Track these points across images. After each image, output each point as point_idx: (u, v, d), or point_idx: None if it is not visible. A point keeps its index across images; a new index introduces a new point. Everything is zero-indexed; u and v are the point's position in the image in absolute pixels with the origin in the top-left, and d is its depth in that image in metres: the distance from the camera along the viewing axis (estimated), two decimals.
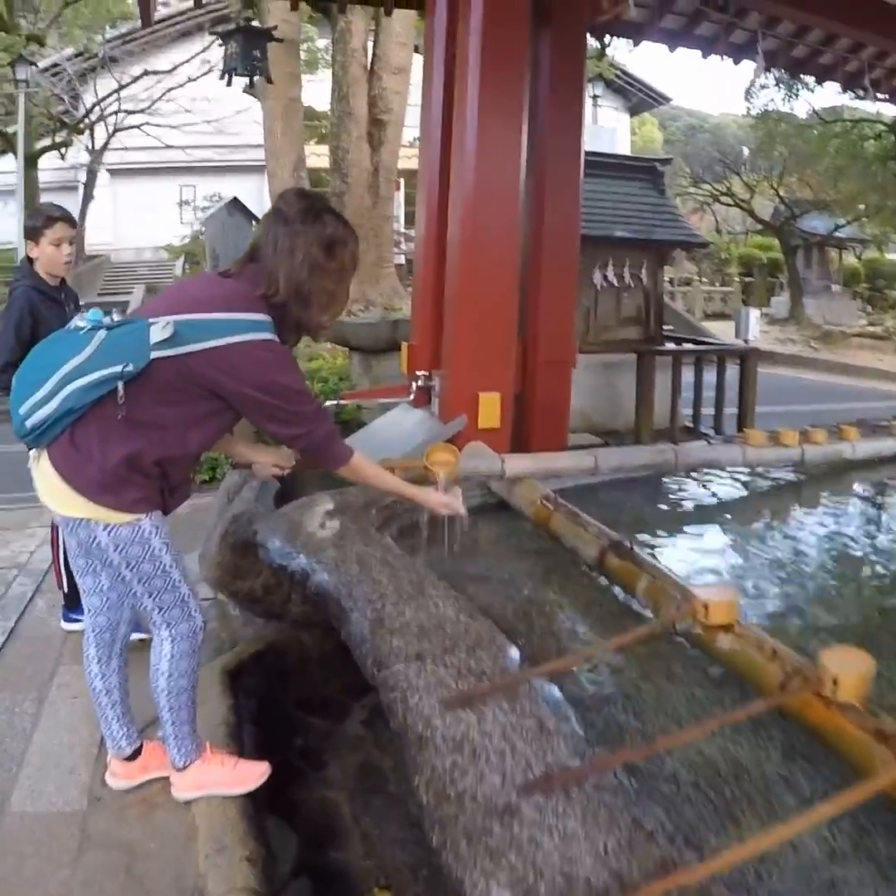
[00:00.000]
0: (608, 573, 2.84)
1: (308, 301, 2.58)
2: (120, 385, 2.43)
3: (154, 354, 2.42)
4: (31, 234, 3.95)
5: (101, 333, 2.51)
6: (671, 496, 4.22)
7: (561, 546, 3.13)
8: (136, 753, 3.09)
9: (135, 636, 3.44)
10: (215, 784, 2.84)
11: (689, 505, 4.11)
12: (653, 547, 3.46)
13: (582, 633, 2.68)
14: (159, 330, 2.44)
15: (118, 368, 2.42)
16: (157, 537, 2.60)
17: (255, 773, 2.83)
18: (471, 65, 4.33)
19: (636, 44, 6.50)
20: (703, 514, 4.00)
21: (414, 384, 4.93)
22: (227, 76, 8.26)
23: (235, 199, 11.93)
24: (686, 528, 3.74)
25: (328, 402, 6.09)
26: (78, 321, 2.57)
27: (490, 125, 4.32)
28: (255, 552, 3.28)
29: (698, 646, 2.42)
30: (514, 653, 2.29)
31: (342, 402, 6.23)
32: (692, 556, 3.44)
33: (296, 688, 3.53)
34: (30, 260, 4.02)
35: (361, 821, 2.87)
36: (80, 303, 4.12)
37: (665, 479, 4.32)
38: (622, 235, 7.56)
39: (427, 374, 4.87)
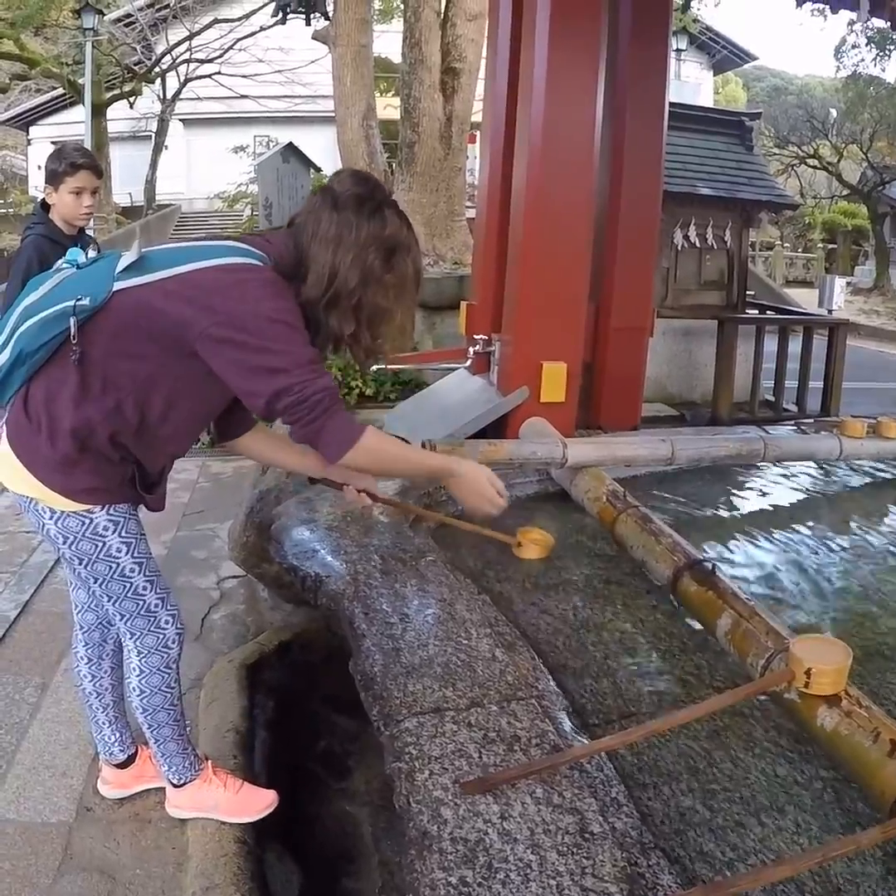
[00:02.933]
0: (682, 599, 2.36)
1: (351, 312, 2.10)
2: (72, 322, 2.01)
3: (116, 285, 2.01)
4: (51, 178, 3.66)
5: (70, 271, 2.14)
6: (755, 489, 3.74)
7: (628, 554, 2.66)
8: (129, 760, 2.87)
9: None
10: (212, 808, 2.59)
11: (776, 501, 3.62)
12: (733, 559, 2.97)
13: (647, 675, 2.20)
14: (127, 257, 2.05)
15: (71, 302, 2.02)
16: (115, 534, 2.24)
17: (258, 804, 2.57)
18: (540, 2, 3.86)
19: None
20: (793, 515, 3.48)
21: (471, 349, 4.53)
22: (280, 13, 7.81)
23: (291, 144, 11.38)
24: (772, 533, 3.21)
25: (376, 367, 5.72)
26: (60, 263, 2.19)
27: (561, 68, 3.85)
28: None
29: (791, 714, 1.90)
30: (559, 708, 1.83)
31: (392, 367, 5.83)
32: (780, 574, 2.90)
33: (323, 683, 3.19)
34: (45, 206, 3.71)
35: (382, 845, 2.51)
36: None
37: (750, 468, 3.85)
38: (706, 193, 7.10)
39: (486, 338, 4.45)
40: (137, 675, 2.51)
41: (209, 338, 1.98)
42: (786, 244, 29.67)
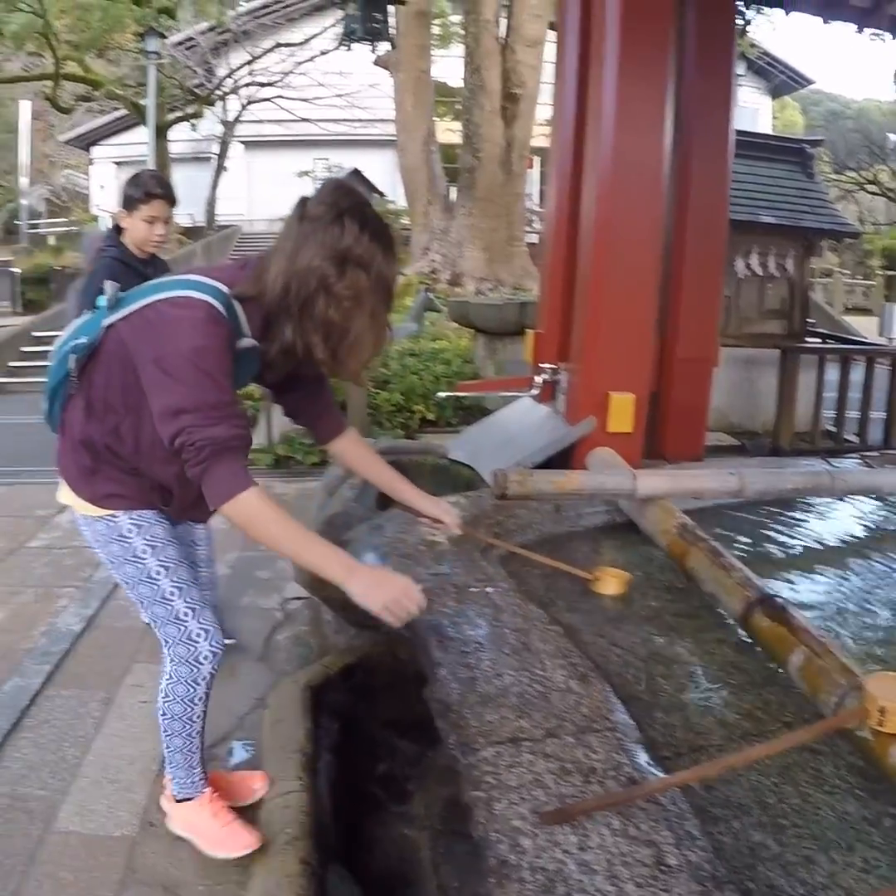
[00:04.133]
0: (754, 634, 2.35)
1: (302, 323, 2.08)
2: (72, 359, 2.21)
3: (105, 321, 2.19)
4: (127, 203, 3.70)
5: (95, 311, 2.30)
6: (823, 523, 3.69)
7: (697, 587, 2.65)
8: None
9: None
10: (199, 834, 2.65)
11: (840, 535, 3.57)
12: (799, 593, 2.93)
13: (716, 709, 2.20)
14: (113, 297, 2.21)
15: (72, 342, 2.23)
16: (138, 537, 2.35)
17: (239, 843, 2.58)
18: (609, 31, 3.89)
19: (788, 12, 5.91)
20: (859, 549, 3.43)
21: (538, 378, 4.52)
22: (346, 40, 7.87)
23: (356, 171, 11.49)
24: (839, 567, 3.18)
25: (441, 393, 5.76)
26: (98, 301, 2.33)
27: (631, 96, 3.87)
28: None
29: (862, 751, 1.90)
30: (634, 740, 1.84)
31: (458, 393, 5.85)
32: (849, 610, 2.86)
33: (385, 707, 3.20)
34: (118, 229, 3.75)
35: (441, 870, 2.48)
36: None
37: (815, 501, 3.80)
38: (768, 221, 7.07)
39: (553, 367, 4.44)
40: (165, 680, 2.55)
41: (144, 370, 2.09)
42: (845, 271, 29.30)
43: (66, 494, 2.40)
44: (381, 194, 24.95)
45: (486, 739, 1.78)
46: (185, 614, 2.45)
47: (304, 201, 2.10)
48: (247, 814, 2.85)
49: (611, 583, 2.77)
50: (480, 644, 2.15)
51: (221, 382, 2.03)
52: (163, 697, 2.57)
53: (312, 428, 2.71)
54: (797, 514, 3.70)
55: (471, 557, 2.73)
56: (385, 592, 2.03)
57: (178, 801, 2.70)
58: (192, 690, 2.54)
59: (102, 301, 2.28)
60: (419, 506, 2.64)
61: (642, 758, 1.78)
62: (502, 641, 2.17)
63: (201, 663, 2.50)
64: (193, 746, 2.63)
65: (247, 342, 2.18)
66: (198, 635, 2.47)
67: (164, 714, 2.59)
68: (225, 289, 2.11)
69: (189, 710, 2.56)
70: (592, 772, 1.68)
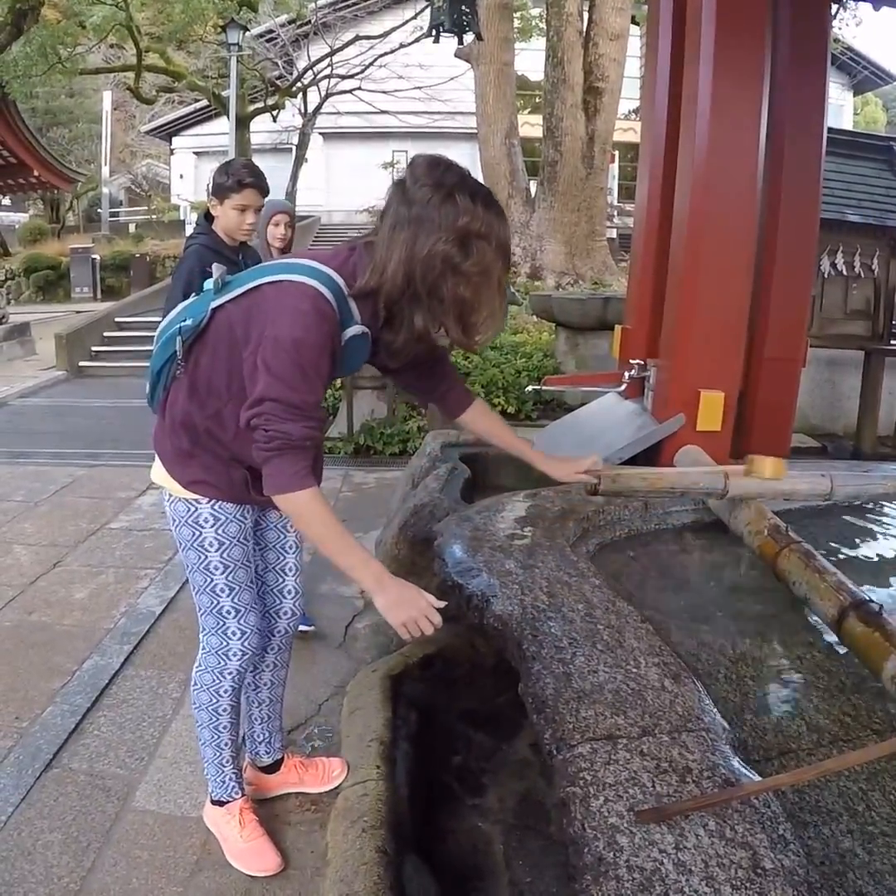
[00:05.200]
0: (847, 639, 2.32)
1: (435, 307, 2.07)
2: (178, 340, 2.25)
3: (213, 303, 2.21)
4: (217, 191, 3.73)
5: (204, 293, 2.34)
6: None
7: (788, 589, 2.62)
8: (275, 766, 2.97)
9: (301, 627, 3.31)
10: (223, 841, 2.70)
11: None
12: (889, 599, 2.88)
13: (805, 713, 2.16)
14: (220, 279, 2.25)
15: (179, 324, 2.26)
16: (212, 528, 2.40)
17: (261, 863, 2.65)
18: (704, 27, 3.81)
19: (877, 7, 5.78)
20: None
21: (626, 374, 4.49)
22: (434, 32, 7.82)
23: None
24: None
25: (530, 387, 5.74)
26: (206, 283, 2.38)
27: (726, 93, 3.79)
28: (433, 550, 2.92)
29: None
30: (727, 741, 1.82)
31: (547, 388, 5.82)
32: None
33: (463, 698, 3.21)
34: (209, 216, 3.79)
35: (513, 864, 2.49)
36: None
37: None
38: (854, 219, 6.96)
39: (642, 363, 4.42)
40: (195, 667, 2.65)
41: (245, 352, 2.14)
42: None
43: (158, 473, 2.46)
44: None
45: (582, 736, 1.77)
46: (228, 612, 2.53)
47: (402, 184, 2.07)
48: (325, 799, 2.88)
49: (767, 465, 2.80)
50: (574, 639, 2.13)
51: (312, 379, 2.07)
52: (192, 686, 2.66)
53: (441, 404, 2.70)
54: (884, 519, 3.65)
55: (561, 551, 2.72)
56: (406, 611, 2.09)
57: (213, 802, 2.76)
58: (218, 681, 2.61)
59: (209, 284, 2.32)
60: (554, 473, 2.71)
61: (735, 759, 1.76)
62: (596, 637, 2.15)
63: (230, 658, 2.58)
64: (222, 742, 2.68)
65: (356, 329, 2.18)
66: (234, 633, 2.55)
67: (193, 703, 2.67)
68: (335, 275, 2.11)
69: (215, 700, 2.62)
70: (688, 771, 1.67)
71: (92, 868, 2.64)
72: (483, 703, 3.19)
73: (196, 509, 2.41)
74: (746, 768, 1.75)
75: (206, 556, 2.45)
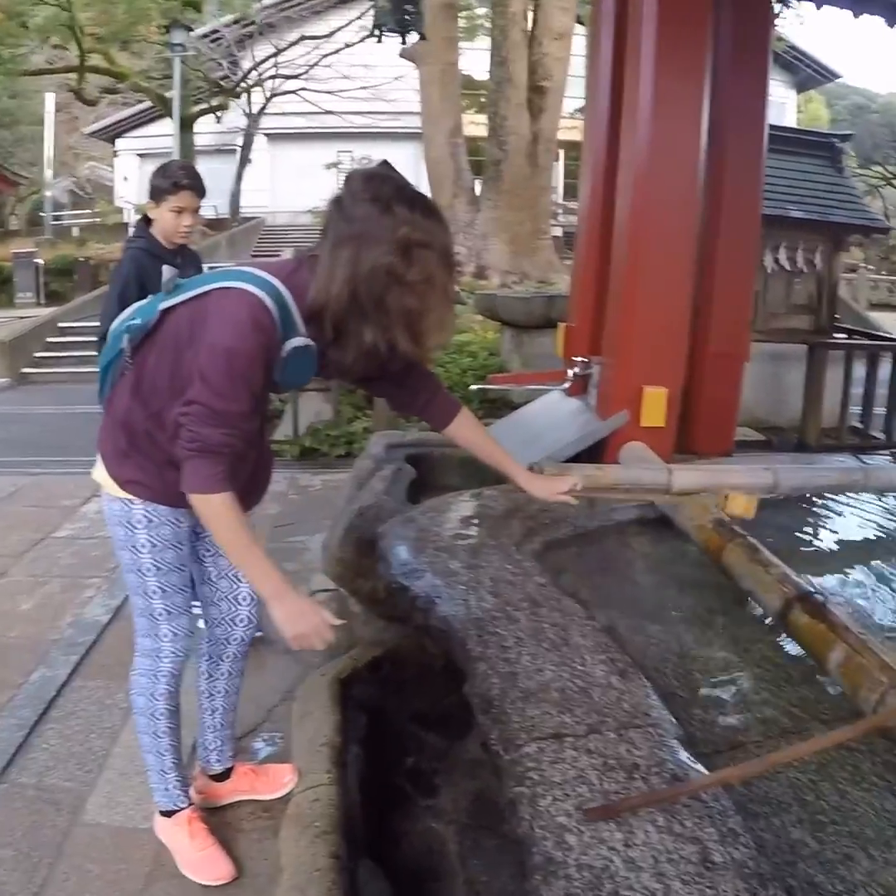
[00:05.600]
0: (792, 631, 2.33)
1: (381, 320, 2.05)
2: (125, 338, 2.27)
3: (162, 305, 2.22)
4: (155, 193, 3.70)
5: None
6: (855, 520, 3.61)
7: (733, 583, 2.64)
8: (225, 774, 2.93)
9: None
10: (175, 853, 2.67)
11: (878, 535, 3.48)
12: (833, 591, 2.88)
13: (754, 706, 2.17)
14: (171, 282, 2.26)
15: (129, 323, 2.29)
16: (144, 530, 2.39)
17: (214, 872, 2.62)
18: (646, 24, 3.84)
19: (819, 6, 5.81)
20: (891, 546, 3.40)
21: (570, 372, 4.48)
22: (377, 32, 7.84)
23: (385, 162, 11.44)
24: (877, 568, 3.13)
25: (475, 386, 5.75)
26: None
27: (667, 90, 3.83)
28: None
29: None
30: (674, 736, 1.82)
31: (491, 386, 5.83)
32: (884, 608, 2.84)
33: (413, 700, 3.20)
34: (147, 220, 3.75)
35: (468, 864, 2.48)
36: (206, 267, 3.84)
37: (842, 498, 3.73)
38: (797, 215, 7.02)
39: (585, 360, 4.41)
40: (131, 670, 2.64)
41: (192, 354, 2.14)
42: (870, 267, 29.12)
43: (98, 471, 2.45)
44: (410, 184, 24.91)
45: (529, 735, 1.77)
46: (160, 614, 2.53)
47: (340, 201, 2.06)
48: (277, 806, 2.86)
49: (739, 503, 2.77)
50: (520, 639, 2.13)
51: (240, 389, 2.08)
52: (130, 690, 2.66)
53: (425, 416, 2.69)
54: (828, 511, 3.68)
55: (507, 552, 2.72)
56: (300, 625, 2.15)
57: (161, 813, 2.73)
58: (152, 684, 2.60)
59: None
60: (534, 491, 2.68)
61: (683, 755, 1.77)
62: (541, 636, 2.15)
63: (162, 660, 2.58)
64: (162, 748, 2.66)
65: (299, 341, 2.17)
66: (165, 635, 2.56)
67: (133, 708, 2.68)
68: (280, 286, 2.11)
69: (151, 704, 2.61)
70: (636, 768, 1.67)
71: (44, 884, 2.59)
72: (434, 703, 3.18)
73: (130, 510, 2.40)
74: (695, 763, 1.75)
75: (139, 558, 2.44)
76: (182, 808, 2.70)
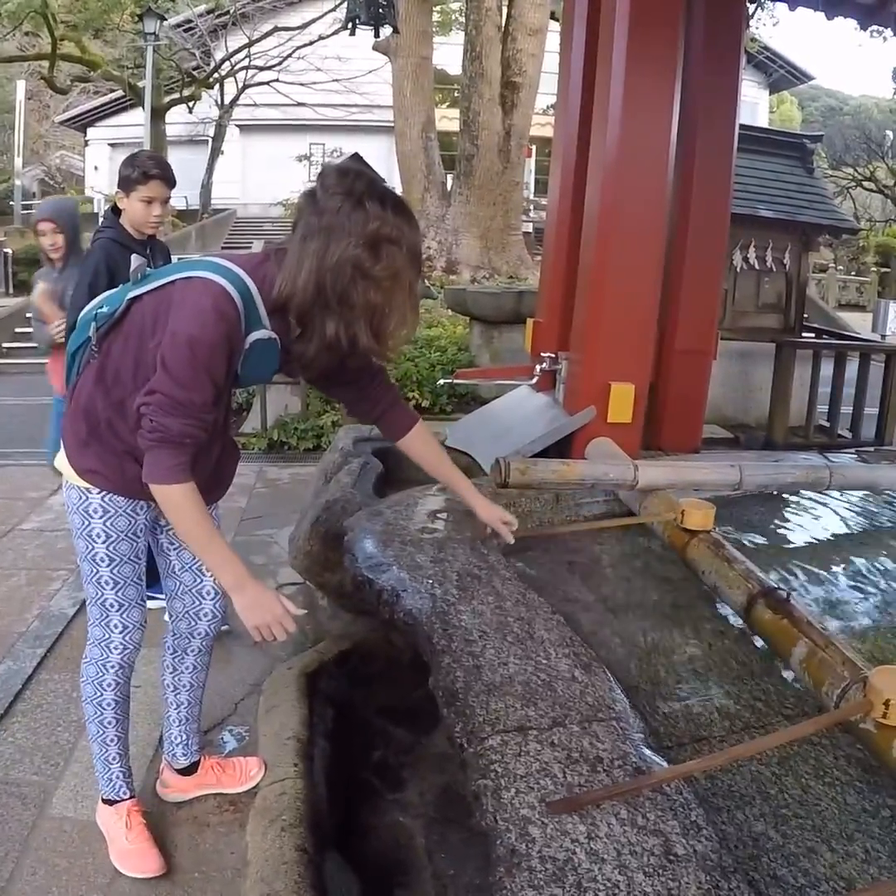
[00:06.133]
0: (756, 626, 2.35)
1: (345, 314, 2.06)
2: (92, 327, 2.26)
3: (130, 293, 2.21)
4: (123, 183, 3.69)
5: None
6: (819, 518, 3.66)
7: (698, 579, 2.65)
8: (192, 768, 2.92)
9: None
10: (110, 841, 2.66)
11: (841, 532, 3.54)
12: (798, 587, 2.90)
13: (717, 700, 2.19)
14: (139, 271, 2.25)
15: (96, 311, 2.27)
16: (100, 520, 2.39)
17: (143, 866, 2.61)
18: (618, 22, 3.84)
19: (792, 8, 5.85)
20: (857, 544, 3.40)
21: (538, 367, 4.50)
22: (350, 25, 7.80)
23: (357, 155, 11.44)
24: (836, 562, 3.16)
25: (442, 380, 5.76)
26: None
27: (638, 87, 3.83)
28: None
29: (865, 743, 1.90)
30: (638, 730, 1.84)
31: (458, 380, 5.83)
32: (848, 604, 2.85)
33: (380, 693, 3.21)
34: (116, 210, 3.73)
35: (435, 858, 2.51)
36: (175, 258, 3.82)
37: (809, 494, 3.77)
38: (767, 215, 7.09)
39: (553, 356, 4.42)
40: (83, 658, 2.64)
41: (156, 344, 2.14)
42: (839, 267, 29.34)
43: (59, 458, 2.45)
44: (383, 180, 24.88)
45: (493, 728, 1.78)
46: (112, 605, 2.52)
47: (312, 194, 2.07)
48: (244, 800, 2.85)
49: (698, 515, 2.76)
50: (484, 632, 2.14)
51: (202, 378, 2.08)
52: (80, 678, 2.66)
53: (380, 426, 2.71)
54: (792, 509, 3.71)
55: (472, 546, 2.72)
56: (261, 615, 2.16)
57: (103, 801, 2.73)
58: (101, 674, 2.60)
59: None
60: (479, 512, 2.71)
61: (647, 748, 1.78)
62: (506, 630, 2.16)
63: (111, 651, 2.57)
64: (107, 738, 2.66)
65: (263, 333, 2.18)
66: (116, 626, 2.55)
67: (82, 696, 2.67)
68: (246, 276, 2.11)
69: (99, 694, 2.61)
70: (599, 761, 1.68)
71: (10, 878, 2.58)
72: (401, 697, 3.19)
73: (87, 499, 2.39)
74: (657, 756, 1.77)
75: (93, 547, 2.44)
76: (123, 799, 2.70)
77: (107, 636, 2.55)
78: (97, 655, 2.58)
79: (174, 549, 2.67)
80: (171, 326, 2.07)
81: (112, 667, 2.58)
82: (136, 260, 2.33)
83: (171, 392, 2.05)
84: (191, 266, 2.17)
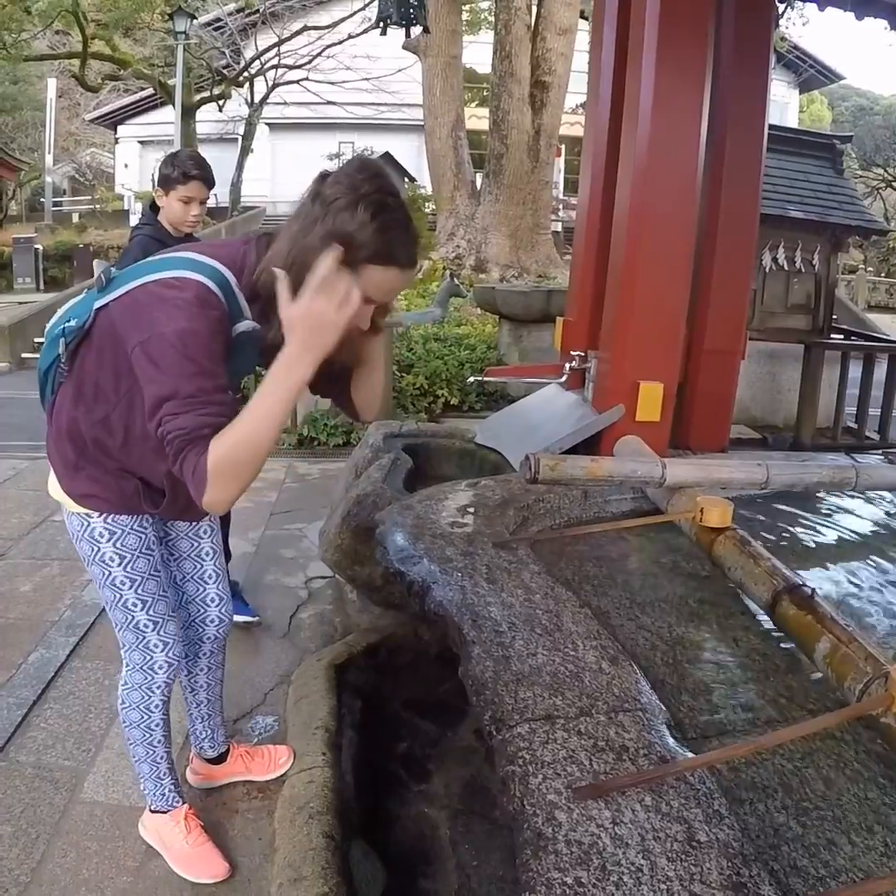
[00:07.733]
0: (780, 622, 2.37)
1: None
2: (61, 344, 2.12)
3: (96, 303, 2.08)
4: (163, 182, 3.72)
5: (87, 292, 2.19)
6: (846, 517, 3.69)
7: (724, 575, 2.67)
8: (220, 758, 2.96)
9: (238, 618, 3.31)
10: (167, 849, 2.62)
11: (867, 532, 3.55)
12: (822, 585, 2.92)
13: (741, 694, 2.22)
14: (103, 278, 2.09)
15: (63, 325, 2.14)
16: (109, 543, 2.29)
17: (208, 870, 2.58)
18: (648, 22, 3.86)
19: (822, 8, 5.83)
20: (882, 545, 3.40)
21: (567, 365, 4.52)
22: (381, 24, 7.83)
23: (387, 154, 11.59)
24: (865, 563, 3.17)
25: (472, 378, 5.79)
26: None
27: (668, 87, 3.84)
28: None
29: (885, 737, 1.92)
30: (662, 721, 1.87)
31: (487, 379, 5.86)
32: (872, 602, 2.87)
33: (407, 686, 3.25)
34: (155, 207, 3.77)
35: (459, 848, 2.57)
36: None
37: (836, 495, 3.80)
38: (796, 215, 7.05)
39: (583, 354, 4.45)
40: (121, 685, 2.56)
41: (132, 355, 1.95)
42: (869, 268, 29.13)
43: (52, 485, 2.36)
44: (412, 179, 24.93)
45: (521, 716, 1.80)
46: (146, 626, 2.44)
47: (322, 178, 1.95)
48: (272, 787, 2.90)
49: (715, 512, 2.75)
50: (514, 624, 2.16)
51: (206, 367, 1.90)
52: (120, 704, 2.58)
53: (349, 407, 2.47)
54: (820, 508, 3.72)
55: (503, 540, 2.75)
56: (318, 338, 1.85)
57: (152, 811, 2.71)
58: (146, 697, 2.53)
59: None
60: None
61: (671, 739, 1.81)
62: (535, 622, 2.18)
63: (156, 672, 2.50)
64: (157, 756, 2.62)
65: (247, 325, 2.07)
66: (155, 645, 2.47)
67: (123, 721, 2.59)
68: (220, 267, 2.01)
69: (146, 717, 2.55)
70: (624, 750, 1.71)
71: (42, 859, 2.64)
72: (427, 690, 3.23)
73: (89, 524, 2.32)
74: (681, 746, 1.79)
75: (110, 571, 2.36)
76: (178, 807, 2.69)
77: (148, 658, 2.48)
78: (140, 680, 2.51)
79: (174, 561, 2.64)
80: (155, 329, 1.90)
81: (158, 687, 2.53)
82: (98, 266, 2.28)
83: (176, 390, 1.85)
84: (157, 266, 2.03)
